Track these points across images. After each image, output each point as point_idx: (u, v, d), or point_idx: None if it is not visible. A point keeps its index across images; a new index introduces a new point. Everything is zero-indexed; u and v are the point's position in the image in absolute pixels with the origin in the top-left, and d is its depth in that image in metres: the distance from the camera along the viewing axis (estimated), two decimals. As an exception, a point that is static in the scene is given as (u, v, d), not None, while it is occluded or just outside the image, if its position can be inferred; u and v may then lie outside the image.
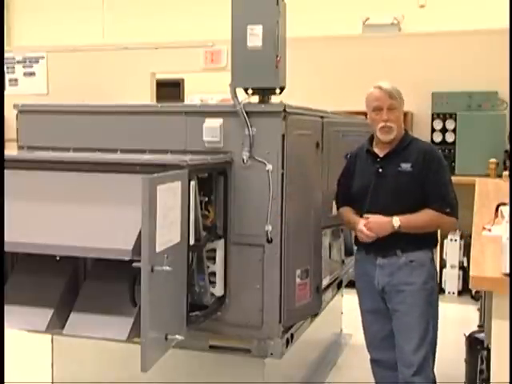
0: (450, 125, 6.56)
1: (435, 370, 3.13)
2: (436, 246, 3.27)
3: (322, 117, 3.60)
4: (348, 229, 3.75)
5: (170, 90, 8.10)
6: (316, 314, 3.65)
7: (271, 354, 3.20)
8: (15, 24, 8.68)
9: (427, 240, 3.14)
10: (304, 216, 3.33)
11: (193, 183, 2.80)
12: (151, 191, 2.42)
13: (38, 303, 2.99)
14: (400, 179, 3.06)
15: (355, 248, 3.38)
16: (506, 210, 3.09)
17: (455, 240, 6.30)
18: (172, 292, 2.66)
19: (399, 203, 3.04)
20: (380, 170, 3.12)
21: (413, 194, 3.05)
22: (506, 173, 5.59)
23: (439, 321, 3.16)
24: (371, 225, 3.04)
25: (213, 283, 3.13)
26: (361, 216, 3.13)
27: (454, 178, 3.22)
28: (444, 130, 6.59)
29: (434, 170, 3.06)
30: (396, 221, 2.99)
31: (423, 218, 3.02)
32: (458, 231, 6.33)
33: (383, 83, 3.12)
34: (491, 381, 2.31)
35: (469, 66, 6.49)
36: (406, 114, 6.34)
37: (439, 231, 3.51)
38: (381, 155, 3.14)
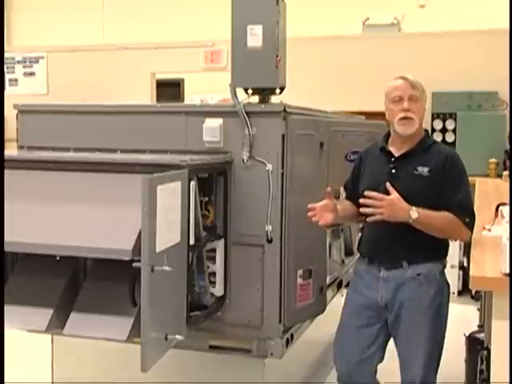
0: (450, 125, 6.57)
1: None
2: (446, 256, 2.95)
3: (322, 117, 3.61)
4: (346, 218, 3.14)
5: (169, 90, 8.10)
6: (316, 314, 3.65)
7: (271, 354, 3.20)
8: (15, 24, 8.68)
9: (438, 250, 2.88)
10: (306, 216, 3.32)
11: (193, 183, 2.80)
12: (151, 191, 2.42)
13: (38, 303, 2.99)
14: (415, 183, 2.78)
15: (357, 256, 3.14)
16: (506, 210, 3.09)
17: (455, 240, 6.29)
18: (172, 292, 2.66)
19: None
20: (393, 171, 2.84)
21: (426, 201, 2.73)
22: (506, 173, 5.58)
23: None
24: (385, 202, 2.65)
25: (213, 283, 3.13)
26: (365, 221, 2.81)
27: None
28: (444, 130, 6.59)
29: (456, 178, 2.80)
30: (414, 212, 2.65)
31: (442, 219, 2.72)
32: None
33: (407, 75, 2.90)
34: (491, 381, 2.31)
35: (469, 66, 6.50)
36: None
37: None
38: (396, 155, 2.88)
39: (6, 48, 7.99)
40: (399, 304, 2.83)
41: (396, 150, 2.90)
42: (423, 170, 2.79)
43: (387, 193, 2.70)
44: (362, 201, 2.71)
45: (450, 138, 6.56)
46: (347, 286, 4.31)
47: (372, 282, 2.89)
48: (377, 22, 6.98)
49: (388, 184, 2.71)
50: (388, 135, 2.98)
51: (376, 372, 2.98)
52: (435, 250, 2.86)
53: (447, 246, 2.95)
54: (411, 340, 2.84)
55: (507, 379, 2.15)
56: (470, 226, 2.78)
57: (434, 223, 2.72)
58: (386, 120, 2.95)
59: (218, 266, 3.15)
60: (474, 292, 5.80)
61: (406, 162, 2.85)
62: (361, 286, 2.97)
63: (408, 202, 2.70)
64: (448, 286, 2.93)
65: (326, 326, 3.90)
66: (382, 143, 2.97)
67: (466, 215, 2.75)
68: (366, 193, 2.70)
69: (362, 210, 2.73)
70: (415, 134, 2.86)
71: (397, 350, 2.93)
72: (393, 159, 2.89)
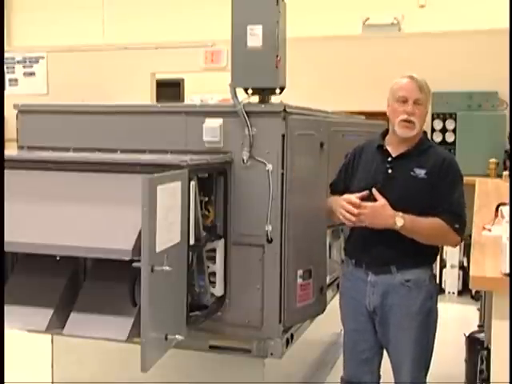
0: (450, 125, 6.57)
1: (435, 370, 3.12)
2: (435, 260, 2.94)
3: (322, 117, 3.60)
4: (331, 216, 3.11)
5: (169, 89, 8.10)
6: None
7: (271, 354, 3.20)
8: (15, 24, 8.68)
9: (427, 255, 2.83)
10: (306, 216, 3.32)
11: (193, 183, 2.80)
12: (151, 191, 2.42)
13: (38, 303, 2.99)
14: (411, 185, 2.74)
15: (343, 259, 3.14)
16: (506, 210, 3.09)
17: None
18: (172, 292, 2.66)
19: (405, 211, 2.68)
20: (389, 171, 2.80)
21: (421, 204, 2.71)
22: (506, 173, 5.58)
23: (439, 321, 3.00)
24: (366, 210, 2.65)
25: (213, 283, 3.13)
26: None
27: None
28: (444, 130, 6.59)
29: (450, 182, 2.76)
30: (399, 219, 2.63)
31: (430, 225, 2.68)
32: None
33: (415, 74, 2.83)
34: (491, 381, 2.31)
35: (469, 66, 6.49)
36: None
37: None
38: (393, 155, 2.82)
39: (6, 48, 7.99)
40: (388, 309, 2.81)
41: (393, 150, 2.84)
42: (420, 172, 2.75)
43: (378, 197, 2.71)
44: (344, 207, 2.74)
45: (450, 138, 6.55)
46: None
47: (360, 284, 2.87)
48: (377, 21, 6.97)
49: (374, 190, 2.70)
50: (385, 133, 2.93)
51: (379, 370, 3.00)
52: (425, 254, 2.81)
53: (437, 250, 2.93)
54: (399, 345, 2.82)
55: (507, 379, 2.15)
56: (460, 231, 2.73)
57: (421, 231, 2.69)
58: (387, 116, 2.90)
59: (218, 266, 3.15)
60: (474, 292, 5.81)
61: (403, 162, 2.80)
62: (349, 288, 2.96)
63: (403, 203, 2.69)
64: (437, 290, 2.92)
65: (326, 326, 3.91)
66: (379, 141, 2.91)
67: (456, 221, 2.71)
68: (347, 197, 2.73)
69: (341, 216, 2.76)
70: (415, 134, 2.81)
71: (388, 356, 2.93)
72: (389, 159, 2.83)
